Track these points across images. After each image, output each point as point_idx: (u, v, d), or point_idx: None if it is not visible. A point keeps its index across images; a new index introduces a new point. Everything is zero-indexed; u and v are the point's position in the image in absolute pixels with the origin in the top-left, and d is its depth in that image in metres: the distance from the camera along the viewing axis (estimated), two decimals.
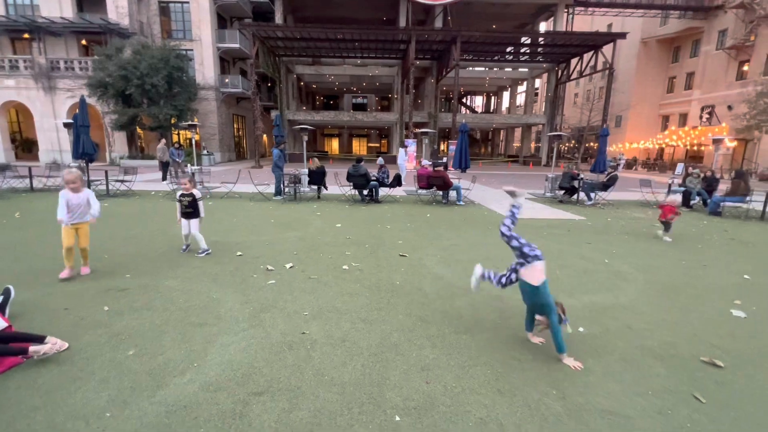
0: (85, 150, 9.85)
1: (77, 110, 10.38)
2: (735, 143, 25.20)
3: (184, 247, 5.14)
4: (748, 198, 9.31)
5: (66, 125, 11.62)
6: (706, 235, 6.92)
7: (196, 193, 4.96)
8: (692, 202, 10.13)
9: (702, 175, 10.33)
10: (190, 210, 4.93)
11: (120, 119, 21.01)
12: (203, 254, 4.94)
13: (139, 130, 23.62)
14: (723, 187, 10.74)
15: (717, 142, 11.38)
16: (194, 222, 4.98)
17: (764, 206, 9.02)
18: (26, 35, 22.99)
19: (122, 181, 10.75)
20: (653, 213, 9.35)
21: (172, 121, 21.56)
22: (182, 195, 4.93)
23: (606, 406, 2.19)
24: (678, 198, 6.59)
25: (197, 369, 2.46)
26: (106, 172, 10.73)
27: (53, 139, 23.32)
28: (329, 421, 2.03)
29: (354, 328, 3.07)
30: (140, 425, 1.96)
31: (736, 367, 2.62)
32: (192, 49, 24.46)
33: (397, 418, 2.06)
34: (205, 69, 24.86)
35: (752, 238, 6.79)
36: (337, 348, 2.77)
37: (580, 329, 3.12)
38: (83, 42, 24.18)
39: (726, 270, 4.86)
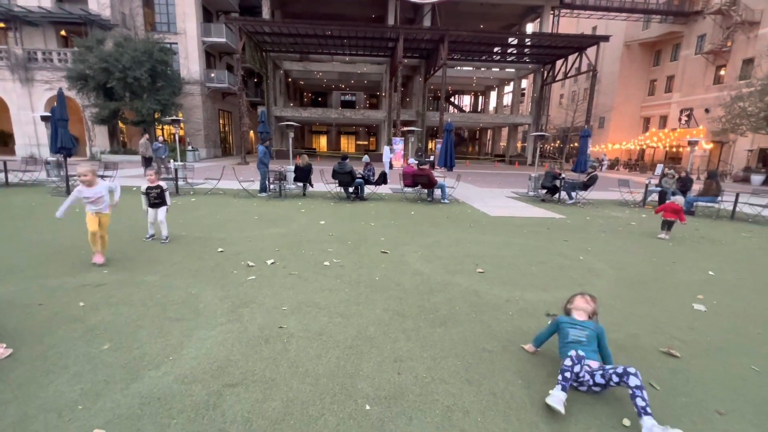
0: (64, 144, 9.61)
1: (55, 103, 10.12)
2: (711, 145, 26.05)
3: (148, 235, 5.40)
4: (719, 198, 9.69)
5: (43, 118, 11.31)
6: (678, 233, 7.17)
7: (163, 184, 5.26)
8: (668, 202, 10.47)
9: (677, 175, 10.68)
10: (158, 201, 5.22)
11: (101, 113, 20.51)
12: (166, 241, 5.29)
13: (121, 124, 23.11)
14: (697, 187, 11.13)
15: (692, 144, 11.80)
16: (161, 210, 5.24)
17: (734, 206, 9.40)
18: (2, 24, 22.22)
19: (102, 177, 10.53)
20: (630, 212, 9.65)
21: (156, 116, 21.15)
22: (149, 188, 5.17)
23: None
24: (680, 199, 6.70)
25: (173, 362, 2.48)
26: None
27: (30, 132, 22.63)
28: (301, 410, 2.09)
29: (331, 322, 3.13)
30: (113, 416, 1.98)
31: (691, 357, 2.77)
32: (176, 43, 24.01)
33: (368, 407, 2.13)
34: (190, 63, 24.44)
35: (721, 237, 7.09)
36: (314, 341, 2.82)
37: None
38: (62, 33, 23.50)
39: (693, 267, 5.08)
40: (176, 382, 2.28)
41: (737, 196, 9.51)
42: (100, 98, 20.39)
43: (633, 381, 2.08)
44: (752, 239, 7.02)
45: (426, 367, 2.54)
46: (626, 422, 2.08)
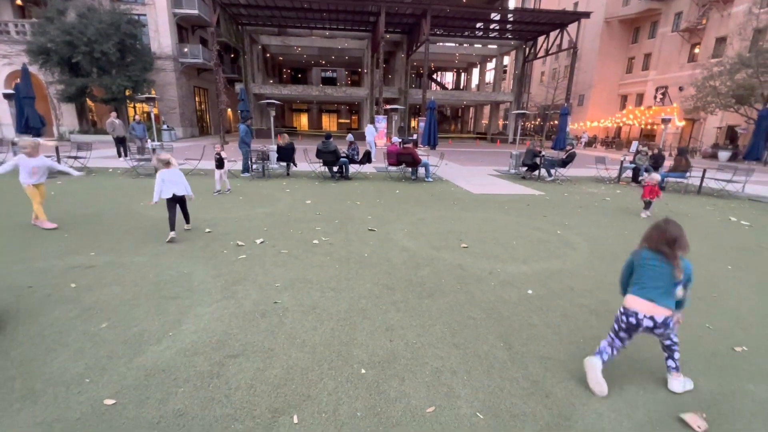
0: (31, 124, 9.17)
1: (18, 80, 9.56)
2: (684, 123, 26.93)
3: (215, 191, 7.64)
4: (687, 174, 10.18)
5: (6, 96, 10.70)
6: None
7: (223, 153, 7.27)
8: (640, 178, 10.94)
9: (650, 153, 11.11)
10: (220, 163, 7.40)
11: (67, 90, 19.39)
12: (229, 192, 7.60)
13: (90, 102, 21.95)
14: (669, 164, 11.63)
15: (665, 121, 12.20)
16: (224, 171, 7.49)
17: (701, 181, 9.92)
18: None
19: (75, 158, 10.15)
20: (606, 188, 10.05)
21: (127, 93, 20.18)
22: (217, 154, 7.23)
23: (544, 353, 2.53)
24: (656, 176, 6.89)
25: (173, 337, 2.58)
26: (57, 147, 10.06)
27: None
28: (301, 376, 2.23)
29: (324, 297, 3.26)
30: (120, 387, 2.08)
31: None
32: (145, 15, 22.64)
33: (363, 371, 2.29)
34: (160, 36, 23.17)
35: (688, 210, 7.53)
36: (308, 314, 2.96)
37: (529, 291, 3.47)
38: (18, 2, 21.78)
39: None
40: (179, 355, 2.38)
41: (704, 171, 10.02)
42: (65, 74, 19.22)
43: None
44: (715, 212, 7.49)
45: (416, 334, 2.72)
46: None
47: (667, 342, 2.22)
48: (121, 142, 12.94)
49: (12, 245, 4.26)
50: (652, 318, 2.07)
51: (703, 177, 9.88)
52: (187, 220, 4.98)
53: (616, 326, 2.23)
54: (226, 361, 2.34)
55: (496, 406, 2.04)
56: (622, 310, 2.19)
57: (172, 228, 4.56)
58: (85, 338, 2.54)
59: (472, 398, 2.09)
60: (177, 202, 4.62)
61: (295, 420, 1.90)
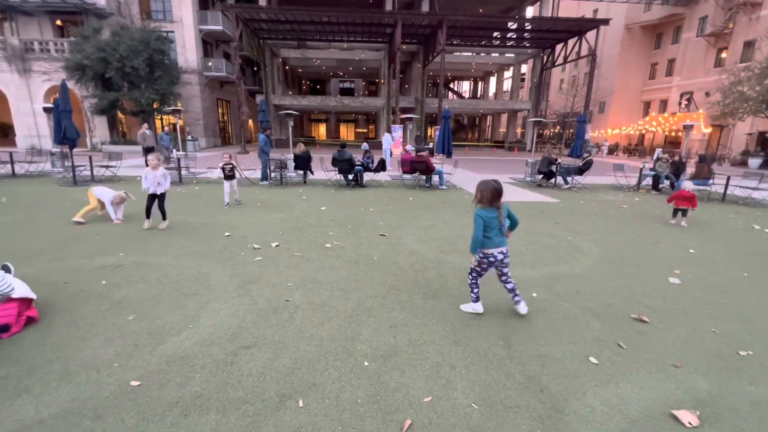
0: (68, 135, 9.80)
1: (56, 94, 10.27)
2: (710, 129, 26.07)
3: (225, 203, 7.25)
4: (710, 181, 9.91)
5: (46, 110, 11.50)
6: (668, 215, 7.42)
7: (234, 162, 7.14)
8: (661, 185, 10.71)
9: (670, 159, 10.88)
10: (231, 174, 7.18)
11: (100, 103, 20.58)
12: (239, 203, 7.43)
13: (120, 114, 23.16)
14: (691, 171, 11.33)
15: (688, 128, 11.95)
16: (234, 182, 7.20)
17: (725, 189, 9.63)
18: None
19: (107, 167, 10.77)
20: (624, 196, 9.89)
21: (155, 106, 21.22)
22: (225, 164, 7.05)
23: (543, 352, 2.60)
24: (689, 184, 6.68)
25: (192, 330, 2.78)
26: (90, 157, 10.71)
27: (30, 123, 22.73)
28: (308, 366, 2.38)
29: (333, 296, 3.42)
30: (145, 372, 2.28)
31: (659, 322, 3.07)
32: (173, 31, 23.87)
33: (366, 363, 2.43)
34: (187, 52, 24.34)
35: (709, 218, 7.34)
36: (317, 312, 3.12)
37: (534, 294, 3.53)
38: (58, 22, 23.35)
39: (675, 245, 5.35)
40: (197, 345, 2.58)
41: (728, 179, 9.73)
42: (98, 88, 20.42)
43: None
44: (738, 220, 7.28)
45: (418, 332, 2.83)
46: (594, 360, 2.38)
47: (506, 270, 3.01)
48: (150, 152, 13.67)
49: (50, 246, 4.62)
50: (502, 252, 2.91)
51: (727, 184, 9.61)
52: (164, 217, 5.64)
53: (478, 268, 3.01)
54: (240, 351, 2.52)
55: (491, 398, 2.13)
56: (482, 255, 2.92)
57: (147, 217, 5.52)
58: (114, 329, 2.77)
59: (468, 390, 2.19)
60: (155, 198, 5.50)
61: (301, 404, 2.04)
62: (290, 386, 2.19)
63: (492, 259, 2.91)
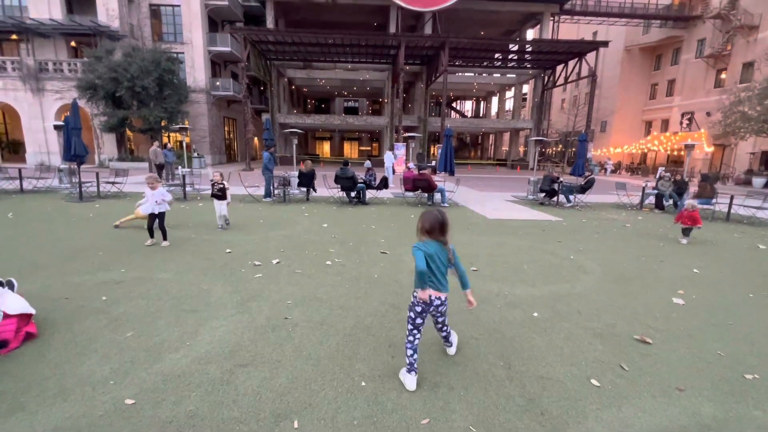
0: (77, 152, 10.00)
1: (67, 112, 10.54)
2: (712, 148, 26.14)
3: (219, 226, 6.81)
4: (713, 200, 9.87)
5: (56, 127, 11.78)
6: (671, 234, 7.39)
7: (225, 183, 6.53)
8: (666, 204, 10.69)
9: (673, 178, 10.88)
10: (221, 194, 6.48)
11: (110, 121, 21.06)
12: (228, 227, 6.86)
13: (128, 132, 23.65)
14: (694, 190, 11.31)
15: (689, 147, 11.99)
16: (224, 203, 6.59)
17: (729, 208, 9.59)
18: (14, 36, 22.92)
19: (113, 183, 10.93)
20: (626, 214, 9.87)
21: (163, 124, 21.67)
22: (214, 184, 6.48)
23: (543, 373, 2.56)
24: (694, 203, 6.72)
25: (189, 347, 2.77)
26: (97, 174, 10.88)
27: (41, 140, 23.22)
28: (304, 386, 2.36)
29: (332, 314, 3.40)
30: (140, 390, 2.27)
31: (662, 343, 3.01)
32: (183, 52, 24.61)
33: (363, 383, 2.39)
34: (195, 72, 25.01)
35: (712, 237, 7.29)
36: (316, 330, 3.10)
37: (534, 314, 3.49)
38: (72, 44, 24.17)
39: (679, 265, 5.30)
40: (193, 363, 2.56)
41: (732, 198, 9.71)
42: (108, 107, 20.94)
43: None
44: (743, 239, 7.22)
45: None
46: (595, 382, 2.33)
47: (442, 318, 2.54)
48: (160, 169, 13.95)
49: (53, 261, 4.66)
50: (439, 298, 2.39)
51: (731, 204, 9.57)
52: (164, 237, 5.61)
53: (412, 314, 2.39)
54: (236, 370, 2.50)
55: (489, 421, 2.09)
56: (415, 295, 2.38)
57: (151, 235, 5.56)
58: (112, 345, 2.76)
59: (466, 412, 2.15)
60: (155, 217, 5.49)
61: (296, 425, 2.01)
62: (286, 406, 2.16)
63: (425, 304, 2.35)
